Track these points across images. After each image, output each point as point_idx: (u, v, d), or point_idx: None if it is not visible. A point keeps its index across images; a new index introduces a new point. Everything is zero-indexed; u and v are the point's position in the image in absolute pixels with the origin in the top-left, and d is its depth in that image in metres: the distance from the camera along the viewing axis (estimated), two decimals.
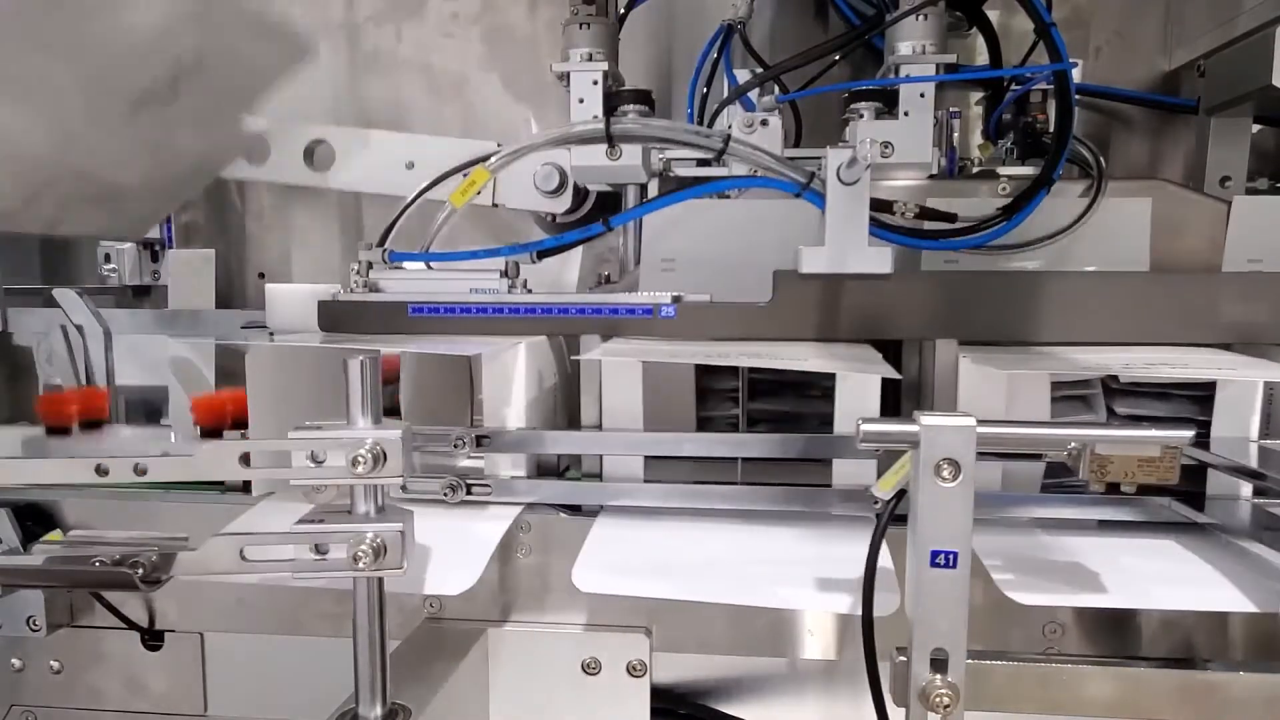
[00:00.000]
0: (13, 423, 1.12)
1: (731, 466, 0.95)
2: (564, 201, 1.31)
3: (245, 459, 0.69)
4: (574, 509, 0.93)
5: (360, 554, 0.67)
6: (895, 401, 0.95)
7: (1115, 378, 0.92)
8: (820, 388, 0.94)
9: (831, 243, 0.91)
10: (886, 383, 0.89)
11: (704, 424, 0.97)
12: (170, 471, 0.72)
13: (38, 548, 0.93)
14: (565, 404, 1.06)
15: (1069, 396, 0.93)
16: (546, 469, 0.98)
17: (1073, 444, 0.66)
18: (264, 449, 0.70)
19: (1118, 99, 1.50)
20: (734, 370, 0.95)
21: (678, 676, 0.92)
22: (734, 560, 0.84)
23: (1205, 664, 0.74)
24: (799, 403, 0.96)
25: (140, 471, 0.71)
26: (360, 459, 0.66)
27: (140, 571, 0.73)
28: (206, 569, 0.70)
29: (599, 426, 0.95)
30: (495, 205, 1.30)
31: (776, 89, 1.29)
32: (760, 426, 0.97)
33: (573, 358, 0.98)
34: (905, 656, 0.66)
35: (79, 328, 1.29)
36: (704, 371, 0.95)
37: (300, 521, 0.69)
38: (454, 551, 0.83)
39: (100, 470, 0.71)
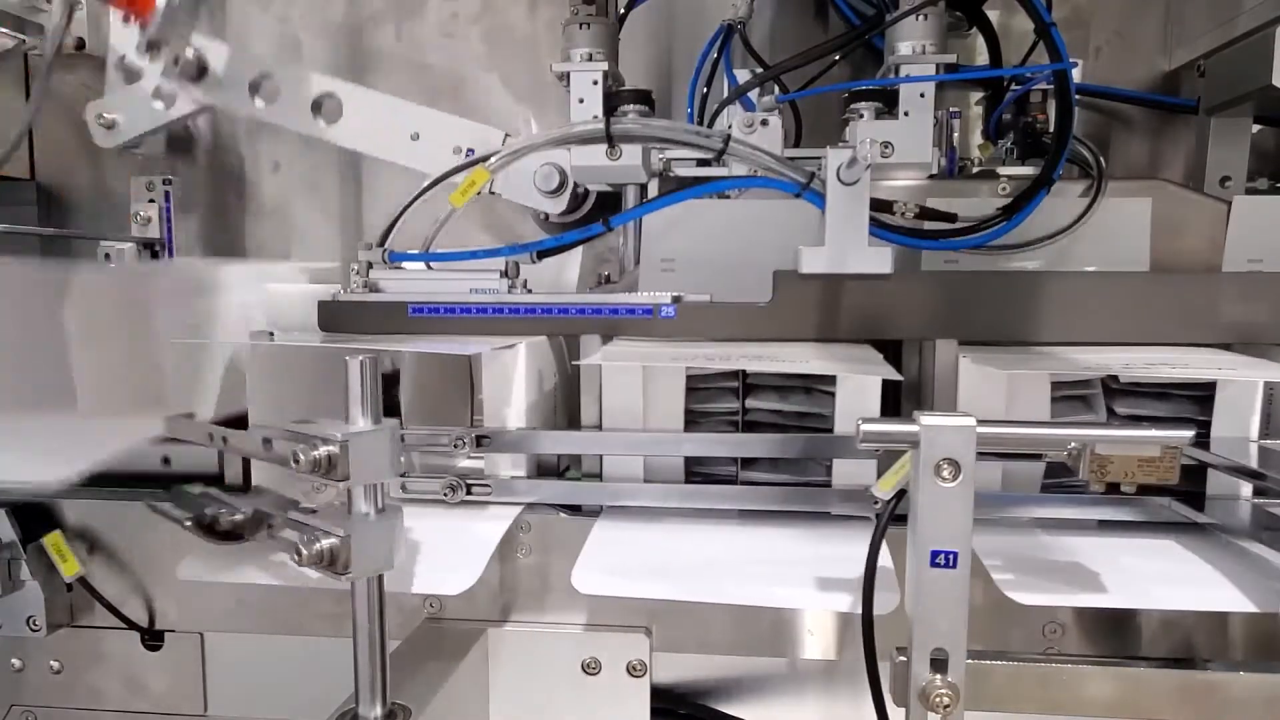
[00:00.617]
0: None
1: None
2: (564, 201, 1.31)
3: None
4: (574, 509, 0.93)
5: (297, 555, 0.67)
6: (895, 401, 0.95)
7: (1115, 378, 0.92)
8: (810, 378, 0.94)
9: (831, 243, 0.91)
10: (886, 383, 0.89)
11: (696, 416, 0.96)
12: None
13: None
14: (565, 404, 1.06)
15: (1069, 396, 0.93)
16: (546, 469, 0.98)
17: (1073, 444, 0.66)
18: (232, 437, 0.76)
19: (1118, 99, 1.50)
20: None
21: (678, 676, 0.92)
22: (734, 560, 0.84)
23: (1205, 664, 0.73)
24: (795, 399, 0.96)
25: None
26: (298, 457, 0.66)
27: (228, 527, 0.77)
28: None
29: (599, 426, 0.95)
30: (492, 193, 1.29)
31: (776, 89, 1.29)
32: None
33: (574, 363, 0.98)
34: (905, 656, 0.66)
35: None
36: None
37: (290, 513, 0.71)
38: (454, 551, 0.83)
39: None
